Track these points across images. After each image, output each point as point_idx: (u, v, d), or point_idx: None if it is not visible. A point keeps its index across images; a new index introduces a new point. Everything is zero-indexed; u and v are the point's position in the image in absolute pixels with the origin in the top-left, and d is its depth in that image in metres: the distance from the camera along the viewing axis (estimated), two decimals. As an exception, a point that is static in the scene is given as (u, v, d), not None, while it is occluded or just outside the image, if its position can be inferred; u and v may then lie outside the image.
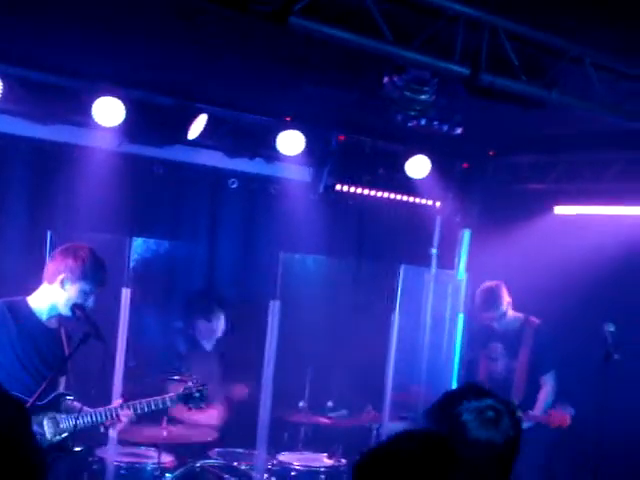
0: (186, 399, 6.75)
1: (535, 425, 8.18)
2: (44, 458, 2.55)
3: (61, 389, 6.25)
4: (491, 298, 8.66)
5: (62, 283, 6.09)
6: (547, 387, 8.47)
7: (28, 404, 5.60)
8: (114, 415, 6.25)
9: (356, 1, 5.24)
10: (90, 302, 6.13)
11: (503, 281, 8.75)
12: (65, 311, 6.16)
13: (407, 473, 2.68)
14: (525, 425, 7.97)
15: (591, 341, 7.96)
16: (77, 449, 6.20)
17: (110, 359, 6.68)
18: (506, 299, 8.66)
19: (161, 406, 6.57)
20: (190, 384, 6.77)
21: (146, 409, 6.45)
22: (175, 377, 7.07)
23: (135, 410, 6.39)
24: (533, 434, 7.83)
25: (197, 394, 6.78)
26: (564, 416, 8.14)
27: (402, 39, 5.48)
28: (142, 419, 7.15)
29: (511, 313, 8.74)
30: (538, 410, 8.39)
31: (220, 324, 8.72)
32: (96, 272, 6.12)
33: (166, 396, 6.65)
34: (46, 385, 5.77)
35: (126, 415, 6.25)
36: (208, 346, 8.74)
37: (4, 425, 2.59)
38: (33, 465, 2.62)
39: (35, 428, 5.86)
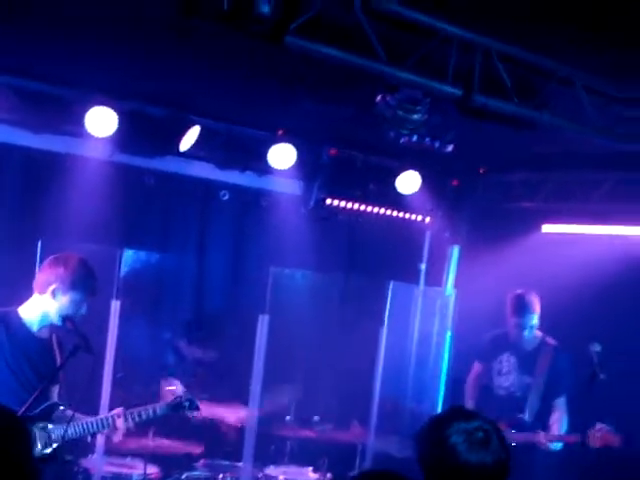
0: (176, 408, 6.70)
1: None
2: (38, 469, 2.56)
3: (54, 399, 6.24)
4: (528, 305, 8.29)
5: (53, 293, 6.05)
6: (560, 411, 8.18)
7: (18, 414, 5.58)
8: (110, 424, 6.25)
9: (351, 21, 5.27)
10: (83, 310, 6.07)
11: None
12: (57, 320, 6.13)
13: None
14: (553, 447, 7.91)
15: (577, 360, 7.98)
16: (67, 459, 6.20)
17: (98, 370, 6.66)
18: (538, 311, 8.33)
19: (151, 415, 6.56)
20: (180, 393, 6.77)
21: (137, 419, 6.45)
22: (167, 387, 7.03)
23: (134, 419, 6.39)
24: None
25: (186, 403, 6.71)
26: (611, 436, 7.66)
27: (396, 59, 5.52)
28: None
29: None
30: (555, 432, 8.08)
31: (206, 350, 8.73)
32: (86, 281, 6.05)
33: (156, 405, 6.63)
34: (37, 395, 5.75)
35: (121, 424, 6.23)
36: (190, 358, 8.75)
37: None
38: (26, 475, 2.64)
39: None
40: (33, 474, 2.69)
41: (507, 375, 8.45)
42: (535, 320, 8.28)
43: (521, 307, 8.29)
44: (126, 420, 6.36)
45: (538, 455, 7.81)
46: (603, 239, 9.18)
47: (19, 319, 6.13)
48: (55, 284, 6.03)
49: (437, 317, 9.22)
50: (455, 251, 9.93)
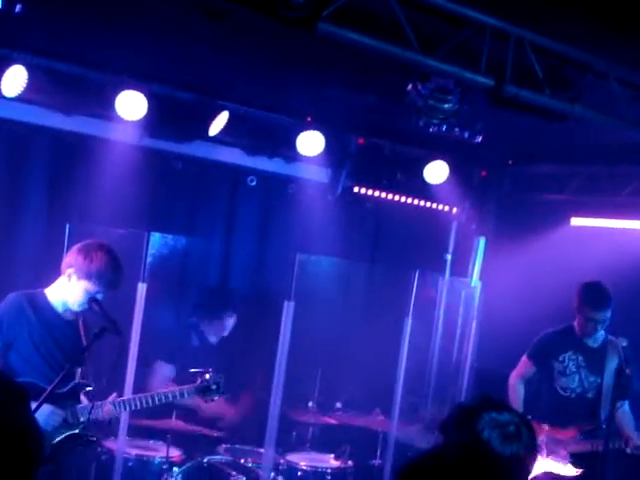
0: (203, 391, 6.73)
1: None
2: (40, 444, 2.61)
3: (77, 379, 6.28)
4: (605, 296, 7.73)
5: (69, 277, 6.12)
6: (629, 415, 7.77)
7: (47, 392, 5.64)
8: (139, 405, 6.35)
9: (384, 8, 5.26)
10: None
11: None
12: (74, 307, 6.18)
13: None
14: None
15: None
16: (92, 438, 6.24)
17: (125, 352, 6.69)
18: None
19: (178, 398, 6.60)
20: (207, 376, 6.74)
21: (164, 400, 6.49)
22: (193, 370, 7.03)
23: (160, 401, 6.44)
24: None
25: (214, 386, 6.75)
26: None
27: (428, 48, 5.49)
28: (153, 411, 7.24)
29: None
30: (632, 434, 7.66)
31: (229, 324, 8.73)
32: (103, 275, 6.06)
33: (184, 387, 6.66)
34: (64, 375, 5.79)
35: (108, 412, 6.20)
36: (214, 339, 8.76)
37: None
38: (28, 449, 2.67)
39: (57, 417, 5.93)
40: (35, 449, 2.71)
41: (572, 375, 7.95)
42: (609, 313, 7.72)
43: (597, 298, 7.75)
44: (154, 402, 6.43)
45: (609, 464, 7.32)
46: (632, 233, 9.13)
47: (46, 300, 6.22)
48: (72, 269, 6.10)
49: (462, 307, 9.19)
50: (481, 242, 9.89)
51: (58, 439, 6.00)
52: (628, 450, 7.42)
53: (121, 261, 6.19)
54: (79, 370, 6.27)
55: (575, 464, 7.71)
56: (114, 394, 6.30)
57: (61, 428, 6.01)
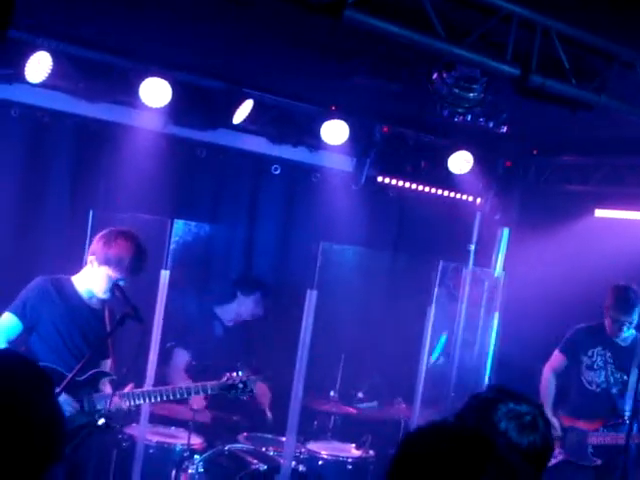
0: (228, 389, 6.76)
1: None
2: (61, 429, 2.61)
3: (100, 368, 6.30)
4: (632, 301, 7.89)
5: (92, 264, 6.16)
6: None
7: (67, 378, 5.65)
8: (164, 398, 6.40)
9: (410, -3, 5.24)
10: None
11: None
12: (99, 294, 6.21)
13: (445, 472, 2.62)
14: None
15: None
16: (113, 425, 6.23)
17: (147, 340, 6.70)
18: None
19: (201, 393, 6.63)
20: (234, 374, 6.77)
21: (185, 395, 6.52)
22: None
23: (182, 395, 6.47)
24: None
25: (240, 385, 6.77)
26: None
27: (454, 36, 5.46)
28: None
29: None
30: None
31: (251, 305, 8.74)
32: (121, 261, 6.06)
33: (207, 384, 6.68)
34: (85, 363, 5.80)
35: (116, 403, 6.15)
36: (230, 323, 8.77)
37: (22, 391, 2.63)
38: (48, 434, 2.67)
39: (69, 407, 5.92)
40: (56, 434, 2.72)
41: (599, 370, 8.11)
42: (636, 316, 7.90)
43: (624, 303, 7.92)
44: (174, 396, 6.45)
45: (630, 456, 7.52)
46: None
47: (72, 287, 6.26)
48: (94, 256, 6.14)
49: (485, 298, 9.15)
50: (505, 233, 9.82)
51: (74, 426, 5.97)
52: None
53: (144, 248, 6.20)
54: (107, 362, 6.31)
55: (597, 455, 7.87)
56: (131, 384, 6.30)
57: (77, 415, 6.01)
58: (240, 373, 6.81)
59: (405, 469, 2.65)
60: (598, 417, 7.95)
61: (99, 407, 6.10)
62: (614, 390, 8.01)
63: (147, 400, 6.41)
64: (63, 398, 5.78)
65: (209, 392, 6.68)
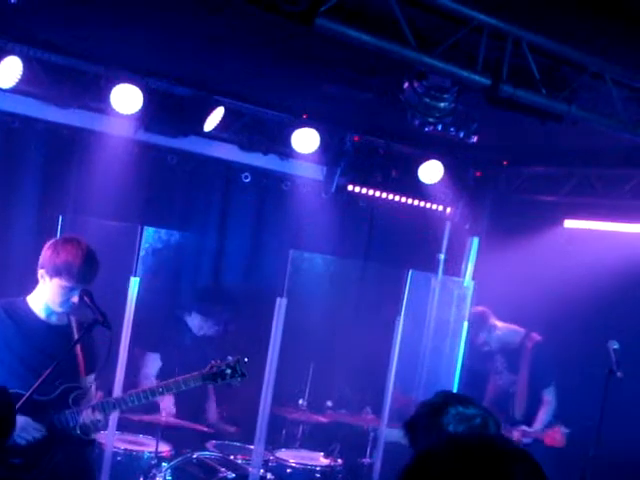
0: (214, 378, 6.34)
1: (534, 442, 8.15)
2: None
3: (88, 385, 6.08)
4: (478, 323, 8.73)
5: (42, 278, 5.83)
6: (547, 403, 8.42)
7: (23, 398, 5.41)
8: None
9: (381, 5, 5.25)
10: (72, 298, 5.78)
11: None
12: (57, 308, 5.87)
13: None
14: (524, 441, 7.99)
15: (594, 358, 7.94)
16: (88, 440, 6.08)
17: (115, 347, 6.59)
18: (491, 323, 8.73)
19: (183, 388, 6.30)
20: (219, 362, 6.38)
21: (150, 398, 6.33)
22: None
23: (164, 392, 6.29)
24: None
25: (228, 370, 6.37)
26: (558, 436, 8.05)
27: (425, 46, 5.49)
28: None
29: (504, 328, 8.75)
30: (537, 425, 8.37)
31: (209, 323, 8.71)
32: (71, 268, 5.70)
33: (188, 376, 6.25)
34: (47, 381, 5.56)
35: (87, 416, 5.86)
36: (200, 333, 8.74)
37: None
38: None
39: (31, 429, 5.69)
40: None
41: (500, 374, 8.76)
42: (482, 338, 8.73)
43: (471, 326, 8.78)
44: (153, 396, 6.26)
45: None
46: (625, 236, 9.12)
47: (27, 307, 5.93)
48: (43, 269, 5.81)
49: (454, 307, 9.17)
50: (475, 242, 9.88)
51: (46, 447, 5.78)
52: None
53: (93, 253, 5.85)
54: (92, 377, 6.12)
55: None
56: (99, 394, 6.03)
57: (48, 437, 5.78)
58: (229, 357, 6.42)
59: None
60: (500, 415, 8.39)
61: (72, 424, 5.83)
62: (510, 390, 8.65)
63: (124, 406, 6.08)
64: (22, 421, 5.53)
65: (192, 385, 6.24)
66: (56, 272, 5.74)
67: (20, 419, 5.42)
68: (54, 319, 5.96)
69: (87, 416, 5.86)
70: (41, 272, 5.82)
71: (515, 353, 8.64)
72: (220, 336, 8.76)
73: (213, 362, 6.39)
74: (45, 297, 5.87)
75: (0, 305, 5.89)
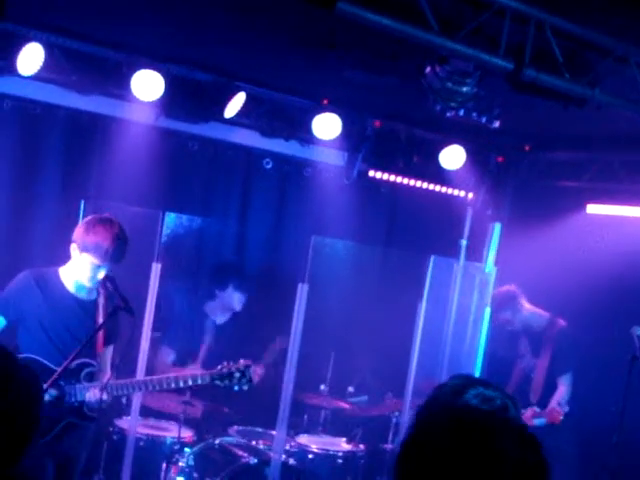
0: (222, 379, 6.59)
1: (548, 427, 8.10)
2: (34, 426, 2.80)
3: (105, 358, 6.29)
4: (504, 301, 8.72)
5: (74, 252, 6.11)
6: (562, 388, 8.38)
7: (54, 376, 5.67)
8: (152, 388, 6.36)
9: (404, -11, 5.23)
10: (98, 275, 6.05)
11: (523, 280, 8.76)
12: (86, 283, 6.14)
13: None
14: (536, 422, 7.97)
15: (617, 343, 7.92)
16: (91, 416, 6.22)
17: (138, 332, 6.67)
18: (519, 302, 8.71)
19: (191, 384, 6.50)
20: (231, 363, 6.61)
21: (158, 387, 6.46)
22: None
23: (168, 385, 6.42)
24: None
25: (237, 374, 6.61)
26: (556, 413, 8.02)
27: (447, 30, 5.45)
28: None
29: (531, 311, 8.73)
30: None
31: (234, 296, 8.70)
32: (100, 247, 5.97)
33: (197, 374, 6.58)
34: (74, 356, 5.78)
35: (94, 395, 6.10)
36: (222, 319, 8.75)
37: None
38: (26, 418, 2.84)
39: (53, 393, 5.91)
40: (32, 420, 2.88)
41: (523, 358, 8.84)
42: (503, 316, 8.75)
43: (498, 305, 8.81)
44: (161, 387, 6.40)
45: None
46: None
47: (57, 279, 6.22)
48: (75, 244, 6.09)
49: (476, 293, 9.14)
50: (497, 228, 9.84)
51: (54, 416, 6.02)
52: None
53: (124, 235, 6.11)
54: (110, 348, 6.27)
55: None
56: (108, 375, 6.20)
57: (58, 405, 6.00)
58: (241, 361, 6.64)
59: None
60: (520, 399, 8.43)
61: (79, 398, 6.10)
62: (531, 374, 8.66)
63: (131, 391, 6.37)
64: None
65: (199, 382, 6.53)
66: (86, 248, 6.02)
67: None
68: (83, 294, 6.25)
69: (94, 394, 6.08)
70: (73, 246, 6.10)
71: (539, 337, 8.65)
72: (240, 323, 8.76)
73: (225, 363, 6.61)
74: (76, 271, 6.15)
75: (31, 274, 6.20)
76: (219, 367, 6.62)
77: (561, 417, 7.98)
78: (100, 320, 6.12)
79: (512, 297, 8.71)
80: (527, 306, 8.73)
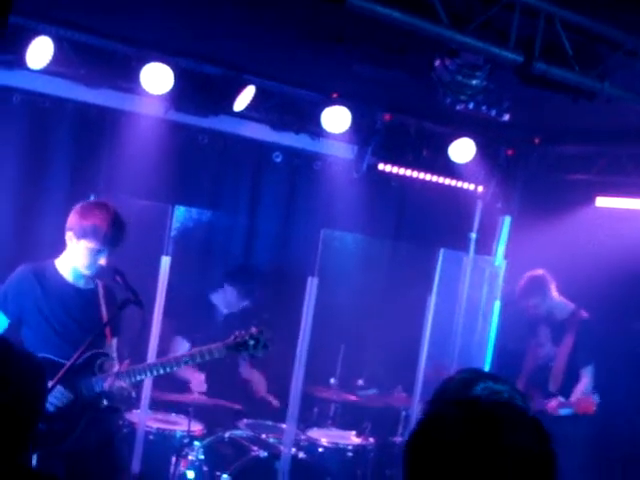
0: (237, 348, 6.38)
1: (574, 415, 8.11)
2: (34, 421, 2.82)
3: (112, 350, 6.25)
4: (537, 286, 8.61)
5: (70, 240, 6.02)
6: (585, 379, 8.30)
7: (61, 372, 5.57)
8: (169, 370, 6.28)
9: (414, -18, 5.22)
10: (99, 261, 5.95)
11: (544, 269, 8.73)
12: (84, 271, 6.05)
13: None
14: (562, 412, 7.95)
15: (628, 336, 7.91)
16: (114, 407, 6.17)
17: (147, 324, 6.65)
18: (550, 289, 8.62)
19: (207, 358, 6.26)
20: (243, 332, 6.41)
21: (198, 360, 6.37)
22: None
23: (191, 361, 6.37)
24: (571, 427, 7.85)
25: (252, 342, 6.39)
26: (590, 403, 7.98)
27: (457, 23, 5.45)
28: (175, 385, 7.28)
29: (558, 299, 8.67)
30: (573, 398, 8.26)
31: (238, 296, 8.72)
32: (98, 231, 5.89)
33: (212, 346, 6.31)
34: (85, 348, 5.73)
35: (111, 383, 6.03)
36: (226, 311, 8.76)
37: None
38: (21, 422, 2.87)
39: (59, 394, 5.82)
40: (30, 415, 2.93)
41: (542, 346, 8.71)
42: (534, 300, 8.61)
43: (527, 290, 8.69)
44: (178, 365, 6.32)
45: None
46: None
47: (54, 270, 6.13)
48: (71, 231, 6.01)
49: (486, 286, 9.14)
50: (506, 221, 9.82)
51: (73, 414, 5.92)
52: None
53: (121, 218, 6.03)
54: (114, 340, 6.25)
55: None
56: (126, 362, 6.11)
57: (76, 402, 5.93)
58: (253, 328, 6.44)
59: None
60: (537, 388, 8.46)
61: (97, 390, 5.99)
62: (550, 364, 8.56)
63: (149, 374, 6.20)
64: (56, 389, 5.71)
65: (216, 355, 6.27)
66: (83, 234, 5.93)
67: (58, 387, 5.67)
68: (82, 283, 6.17)
69: (112, 383, 6.00)
70: (69, 234, 6.02)
71: (561, 326, 8.58)
72: (249, 313, 8.77)
73: (237, 333, 6.43)
74: (73, 259, 6.07)
75: (29, 269, 6.11)
76: (232, 337, 6.39)
77: (594, 407, 7.95)
78: (103, 309, 6.10)
79: (544, 282, 8.63)
80: (555, 293, 8.68)
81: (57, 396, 5.79)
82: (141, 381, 6.44)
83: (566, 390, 8.29)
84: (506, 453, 2.40)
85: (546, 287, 8.62)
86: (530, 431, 2.47)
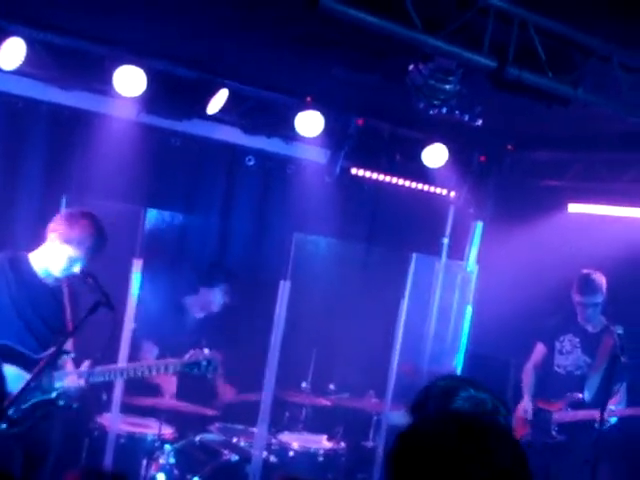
0: (191, 367, 6.73)
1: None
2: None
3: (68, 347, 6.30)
4: (592, 284, 8.39)
5: (52, 241, 6.17)
6: (621, 395, 8.20)
7: (39, 366, 5.73)
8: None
9: (387, -13, 5.22)
10: (75, 268, 6.13)
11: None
12: (56, 272, 6.23)
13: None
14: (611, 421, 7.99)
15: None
16: (69, 404, 6.25)
17: (118, 326, 6.67)
18: (604, 292, 8.41)
19: (162, 371, 6.62)
20: (197, 351, 6.76)
21: (131, 375, 6.49)
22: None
23: (142, 373, 6.47)
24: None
25: (204, 362, 6.74)
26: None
27: (431, 28, 5.45)
28: (144, 388, 7.26)
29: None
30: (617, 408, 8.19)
31: (218, 296, 8.71)
32: (83, 242, 6.11)
33: (169, 361, 6.71)
34: (46, 342, 5.91)
35: (72, 381, 6.21)
36: (200, 315, 8.74)
37: None
38: None
39: (21, 378, 5.86)
40: None
41: (567, 355, 8.54)
42: (599, 299, 8.36)
43: (584, 285, 8.39)
44: (135, 374, 6.44)
45: (593, 433, 7.59)
46: (629, 221, 9.10)
47: (28, 263, 6.27)
48: (55, 233, 6.16)
49: (457, 291, 9.17)
50: (478, 227, 9.87)
51: (30, 403, 6.04)
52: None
53: (104, 230, 6.22)
54: (68, 342, 6.28)
55: (560, 432, 8.34)
56: (87, 362, 6.25)
57: (34, 393, 6.03)
58: (206, 350, 6.81)
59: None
60: (563, 398, 8.34)
61: (57, 385, 6.14)
62: (578, 372, 8.43)
63: (106, 378, 6.39)
64: (13, 371, 5.84)
65: (171, 370, 6.72)
66: (68, 241, 6.10)
67: (11, 369, 5.81)
68: (50, 280, 6.32)
69: (72, 381, 6.19)
70: (52, 235, 6.17)
71: (594, 338, 8.41)
72: (221, 316, 8.75)
73: (192, 352, 6.77)
74: (48, 259, 6.23)
75: (5, 256, 6.28)
76: (188, 355, 6.75)
77: None
78: (67, 309, 6.23)
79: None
80: None
81: (21, 381, 5.80)
82: (100, 383, 6.52)
83: (600, 401, 7.88)
84: (490, 471, 2.42)
85: (602, 290, 8.42)
86: (512, 451, 2.51)
